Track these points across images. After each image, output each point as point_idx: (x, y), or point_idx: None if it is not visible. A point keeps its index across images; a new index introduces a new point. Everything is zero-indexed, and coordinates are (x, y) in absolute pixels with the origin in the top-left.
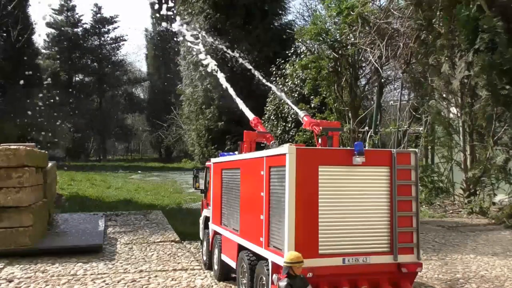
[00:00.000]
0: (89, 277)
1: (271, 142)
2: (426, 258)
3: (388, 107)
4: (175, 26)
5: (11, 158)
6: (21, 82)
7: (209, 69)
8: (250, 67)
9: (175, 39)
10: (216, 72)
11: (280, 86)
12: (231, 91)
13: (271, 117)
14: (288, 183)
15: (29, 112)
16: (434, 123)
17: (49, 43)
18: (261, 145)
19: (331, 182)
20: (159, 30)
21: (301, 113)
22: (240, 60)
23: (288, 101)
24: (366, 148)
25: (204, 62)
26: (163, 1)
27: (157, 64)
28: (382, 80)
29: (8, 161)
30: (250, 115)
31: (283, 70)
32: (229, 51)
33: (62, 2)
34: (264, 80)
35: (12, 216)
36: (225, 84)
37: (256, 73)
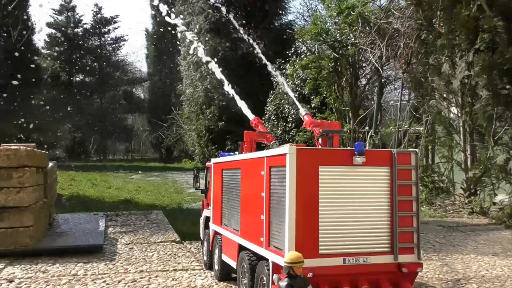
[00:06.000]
0: (89, 277)
1: (271, 142)
2: (427, 258)
3: (389, 107)
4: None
5: (12, 159)
6: (17, 82)
7: (199, 54)
8: (263, 57)
9: (173, 41)
10: (209, 62)
11: (281, 86)
12: (227, 85)
13: (272, 117)
14: (288, 183)
15: (29, 112)
16: (435, 123)
17: (50, 43)
18: (262, 145)
19: (332, 182)
20: (159, 29)
21: (302, 111)
22: (257, 48)
23: (291, 93)
24: (367, 148)
25: (195, 50)
26: None
27: (157, 64)
28: (383, 80)
29: (8, 161)
30: (250, 115)
31: (284, 70)
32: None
33: (63, 3)
34: (274, 72)
35: (12, 216)
36: (219, 74)
37: (269, 65)
